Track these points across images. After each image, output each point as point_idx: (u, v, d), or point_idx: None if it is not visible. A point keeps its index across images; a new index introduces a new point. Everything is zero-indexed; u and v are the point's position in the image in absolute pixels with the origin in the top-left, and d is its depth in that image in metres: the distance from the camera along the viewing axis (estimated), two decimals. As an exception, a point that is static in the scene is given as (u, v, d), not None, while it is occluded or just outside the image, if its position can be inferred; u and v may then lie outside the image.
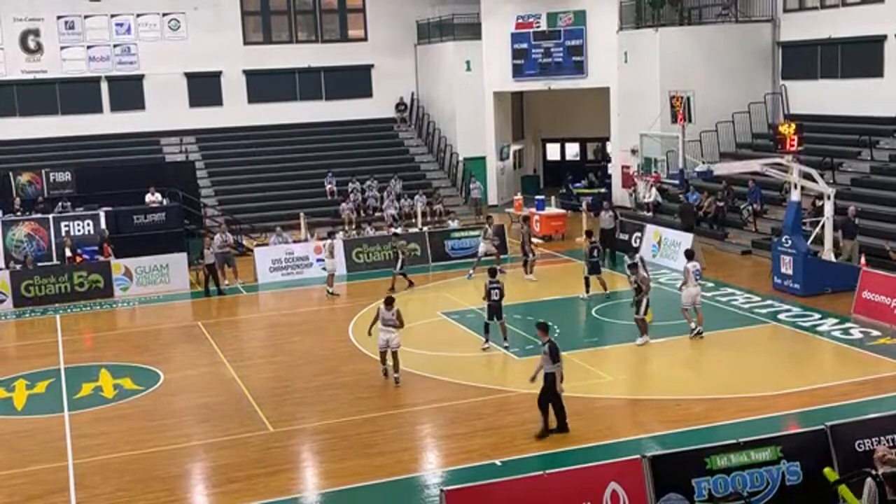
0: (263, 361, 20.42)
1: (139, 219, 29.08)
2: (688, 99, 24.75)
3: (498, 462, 14.40)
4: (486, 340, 20.22)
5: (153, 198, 30.80)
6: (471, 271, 27.05)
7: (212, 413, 17.21)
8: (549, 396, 15.35)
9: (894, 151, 29.27)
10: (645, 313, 20.11)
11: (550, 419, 15.42)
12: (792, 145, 23.69)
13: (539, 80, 38.52)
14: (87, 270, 26.70)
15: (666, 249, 27.94)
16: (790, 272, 23.74)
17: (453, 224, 32.24)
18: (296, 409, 17.19)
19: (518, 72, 38.65)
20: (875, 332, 20.18)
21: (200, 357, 20.90)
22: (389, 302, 18.51)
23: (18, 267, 26.83)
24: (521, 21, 38.23)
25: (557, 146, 45.43)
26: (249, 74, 41.13)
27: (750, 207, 29.72)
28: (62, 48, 39.08)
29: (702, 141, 32.42)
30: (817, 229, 24.61)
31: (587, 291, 24.37)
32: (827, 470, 11.50)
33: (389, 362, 18.40)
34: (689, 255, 21.66)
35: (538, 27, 38.03)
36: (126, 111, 39.45)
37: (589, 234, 25.62)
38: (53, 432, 16.62)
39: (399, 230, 31.48)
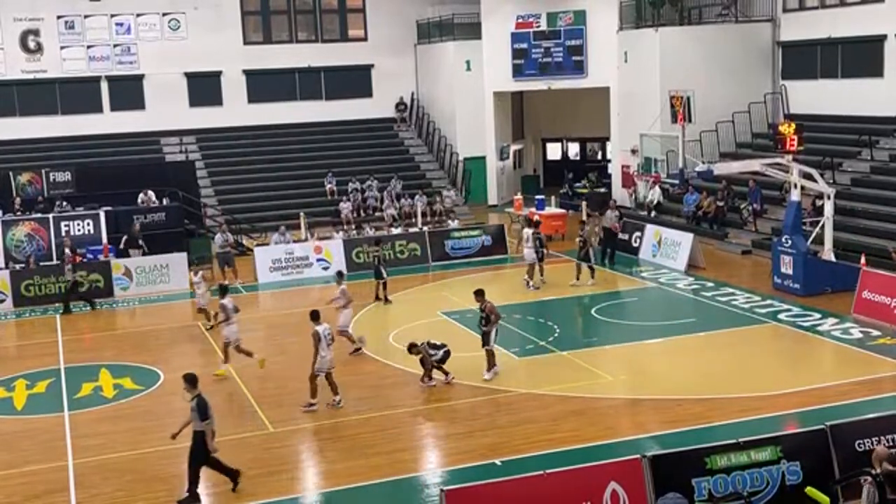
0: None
1: (139, 219, 29.07)
2: (688, 99, 24.77)
3: (498, 462, 14.39)
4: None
5: (145, 197, 30.74)
6: (528, 280, 25.66)
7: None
8: (201, 457, 13.74)
9: (894, 151, 29.27)
10: (494, 343, 18.39)
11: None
12: (792, 145, 23.71)
13: (539, 79, 38.51)
14: (87, 270, 26.69)
15: (666, 249, 27.94)
16: (790, 272, 23.74)
17: (453, 224, 32.23)
18: (296, 409, 17.17)
19: (518, 72, 38.65)
20: (875, 332, 20.19)
21: (200, 357, 20.89)
22: (316, 317, 17.42)
23: (18, 267, 26.82)
24: (521, 21, 38.22)
25: (558, 146, 45.43)
26: (249, 74, 41.14)
27: (750, 207, 29.72)
28: (62, 48, 39.09)
29: (702, 141, 32.42)
30: (817, 229, 24.63)
31: (577, 278, 25.60)
32: (809, 489, 11.46)
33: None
34: (341, 275, 21.58)
35: (538, 27, 38.03)
36: (126, 111, 39.46)
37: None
38: (53, 432, 16.61)
39: (399, 230, 31.49)
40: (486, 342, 18.40)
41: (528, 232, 26.20)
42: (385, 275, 25.03)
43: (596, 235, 28.20)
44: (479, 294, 18.78)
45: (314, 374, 17.02)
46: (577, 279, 25.70)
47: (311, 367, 17.03)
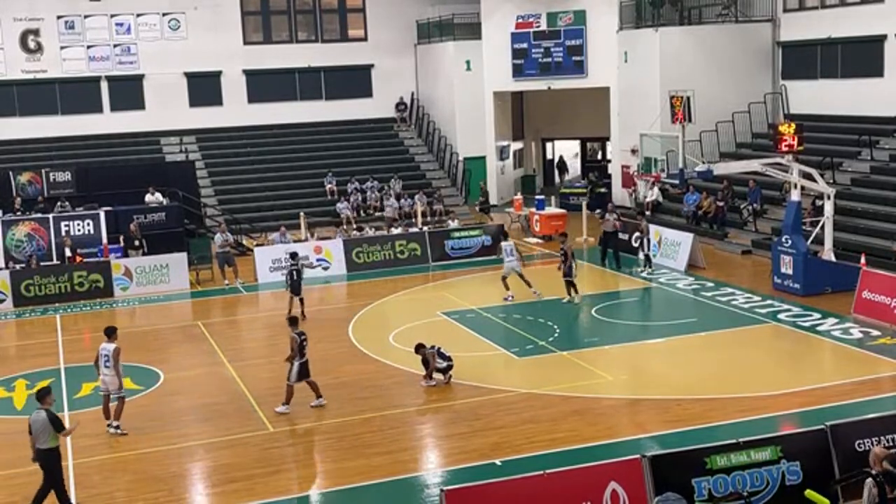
0: (263, 361, 20.36)
1: (139, 219, 29.07)
2: (688, 99, 24.72)
3: (498, 462, 14.39)
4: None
5: (153, 198, 30.85)
6: (537, 291, 24.39)
7: (212, 413, 17.20)
8: None
9: (894, 151, 29.27)
10: (297, 380, 16.88)
11: None
12: (791, 146, 23.69)
13: (539, 79, 38.51)
14: (87, 270, 26.69)
15: (666, 249, 27.93)
16: (790, 272, 23.74)
17: (453, 224, 32.24)
18: (296, 409, 17.16)
19: (518, 71, 38.65)
20: (875, 332, 20.18)
21: (200, 357, 20.89)
22: (111, 334, 16.42)
23: (19, 267, 26.82)
24: (521, 21, 38.23)
25: (559, 145, 45.45)
26: (249, 74, 41.14)
27: (750, 207, 29.73)
28: (62, 48, 39.09)
29: (702, 141, 32.41)
30: (817, 229, 24.63)
31: (575, 293, 24.02)
32: (808, 492, 11.47)
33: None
34: None
35: (538, 27, 38.03)
36: (126, 111, 39.49)
37: (563, 234, 25.13)
38: (53, 432, 16.58)
39: (399, 230, 31.46)
40: (289, 377, 16.92)
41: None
42: (301, 291, 23.38)
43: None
44: (292, 322, 17.62)
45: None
46: (576, 293, 24.03)
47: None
